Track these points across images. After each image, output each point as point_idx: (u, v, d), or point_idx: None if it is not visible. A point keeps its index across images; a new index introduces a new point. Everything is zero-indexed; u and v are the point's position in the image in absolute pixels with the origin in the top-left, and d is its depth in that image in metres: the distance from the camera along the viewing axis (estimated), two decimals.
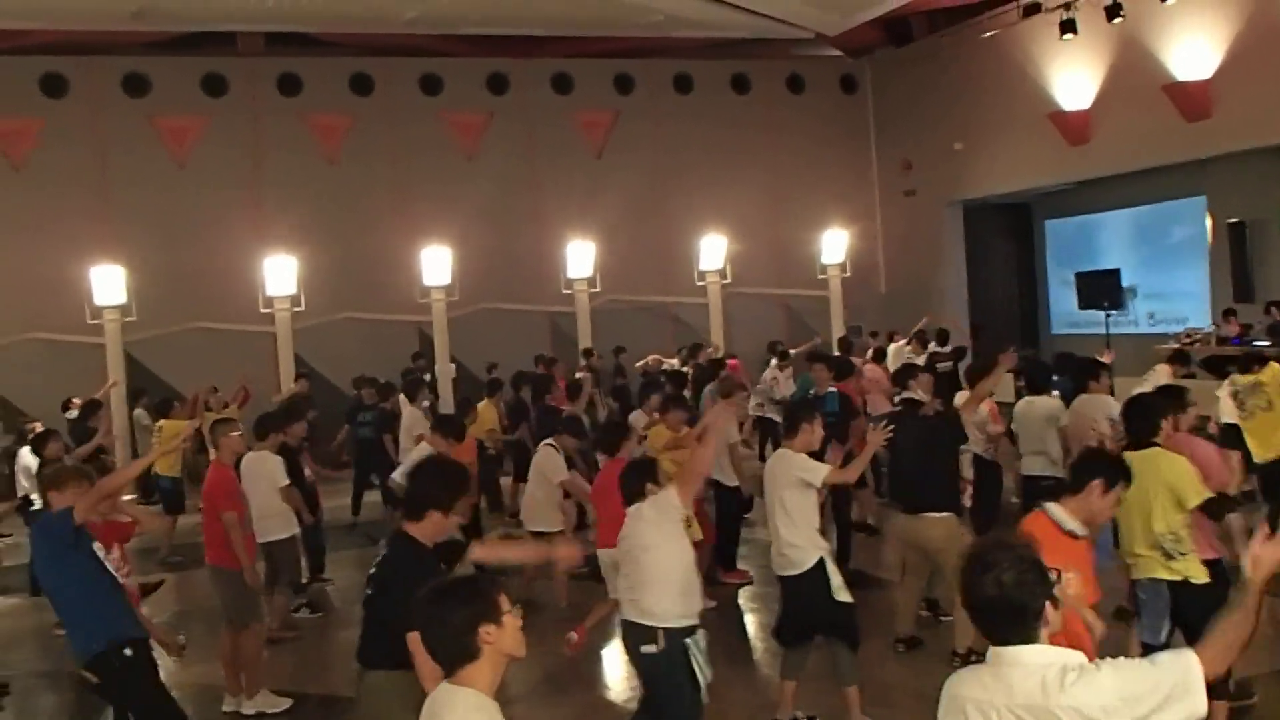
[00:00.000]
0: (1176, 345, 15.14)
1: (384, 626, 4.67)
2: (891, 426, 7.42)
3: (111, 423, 14.95)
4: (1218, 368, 15.13)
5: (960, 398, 8.97)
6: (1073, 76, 19.31)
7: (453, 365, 19.05)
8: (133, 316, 17.98)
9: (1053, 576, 3.00)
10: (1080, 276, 21.33)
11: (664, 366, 16.94)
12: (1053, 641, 2.96)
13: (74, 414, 14.86)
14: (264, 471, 8.98)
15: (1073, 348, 17.23)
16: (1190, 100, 17.19)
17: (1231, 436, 9.85)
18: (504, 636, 3.15)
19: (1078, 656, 2.91)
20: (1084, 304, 20.91)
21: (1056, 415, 9.29)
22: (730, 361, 16.32)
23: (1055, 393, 9.97)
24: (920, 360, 13.39)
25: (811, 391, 11.27)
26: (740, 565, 10.64)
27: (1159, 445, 5.96)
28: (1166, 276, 20.62)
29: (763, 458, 15.99)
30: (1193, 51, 17.18)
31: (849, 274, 21.20)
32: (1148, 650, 5.30)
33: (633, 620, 5.90)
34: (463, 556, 5.21)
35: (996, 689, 2.90)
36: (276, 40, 20.62)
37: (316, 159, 20.50)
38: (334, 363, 19.25)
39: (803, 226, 21.57)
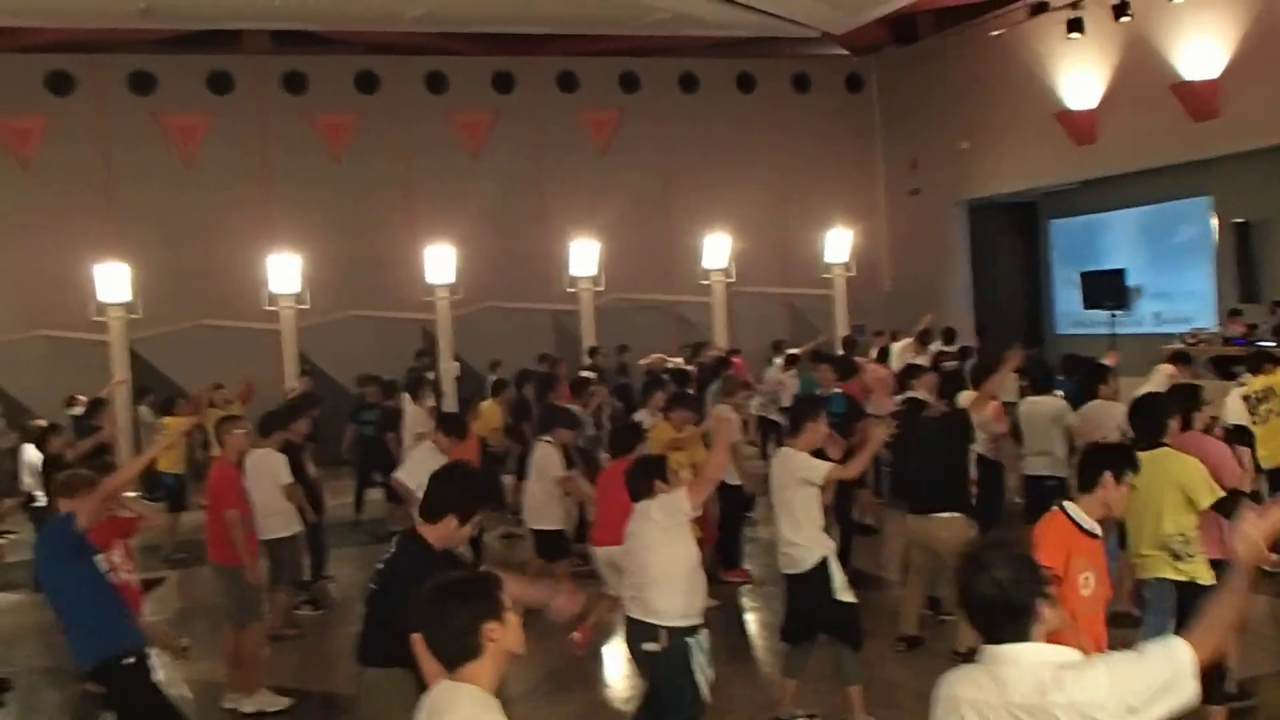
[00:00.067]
0: (1180, 345, 15.10)
1: (385, 626, 4.66)
2: (895, 423, 7.40)
3: (115, 420, 14.96)
4: (1223, 368, 15.11)
5: (965, 397, 8.94)
6: (1079, 76, 19.27)
7: (456, 363, 19.04)
8: (137, 314, 17.99)
9: (1048, 575, 3.01)
10: (1085, 276, 21.28)
11: (668, 365, 16.92)
12: (1065, 641, 2.96)
13: (77, 411, 14.88)
14: (268, 469, 8.97)
15: (1078, 347, 17.15)
16: (1197, 100, 17.15)
17: (1239, 438, 9.79)
18: (506, 634, 3.15)
19: (1072, 653, 2.92)
20: (1088, 304, 20.86)
21: (1062, 415, 9.26)
22: (734, 360, 16.29)
23: (1058, 393, 9.94)
24: (922, 360, 13.34)
25: (816, 392, 11.25)
26: (743, 564, 10.63)
27: (1167, 445, 5.94)
28: (1172, 276, 20.55)
29: (764, 456, 15.99)
30: (1200, 51, 17.14)
31: (854, 273, 21.15)
32: None
33: (636, 618, 5.90)
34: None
35: (992, 688, 2.90)
36: (282, 38, 20.63)
37: (322, 157, 20.52)
38: (338, 361, 19.27)
39: (807, 225, 21.54)
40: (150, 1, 17.68)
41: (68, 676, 8.27)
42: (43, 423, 12.50)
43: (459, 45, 21.32)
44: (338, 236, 19.66)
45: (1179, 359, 11.06)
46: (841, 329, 19.78)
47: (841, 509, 10.14)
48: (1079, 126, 19.29)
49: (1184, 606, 5.75)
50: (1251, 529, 3.09)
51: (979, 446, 9.65)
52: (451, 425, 9.54)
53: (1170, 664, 2.85)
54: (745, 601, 9.98)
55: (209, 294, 19.09)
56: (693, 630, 5.87)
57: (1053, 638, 2.97)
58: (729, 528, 10.36)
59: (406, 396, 13.59)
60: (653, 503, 5.95)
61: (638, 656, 6.01)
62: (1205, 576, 5.77)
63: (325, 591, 10.91)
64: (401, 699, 4.30)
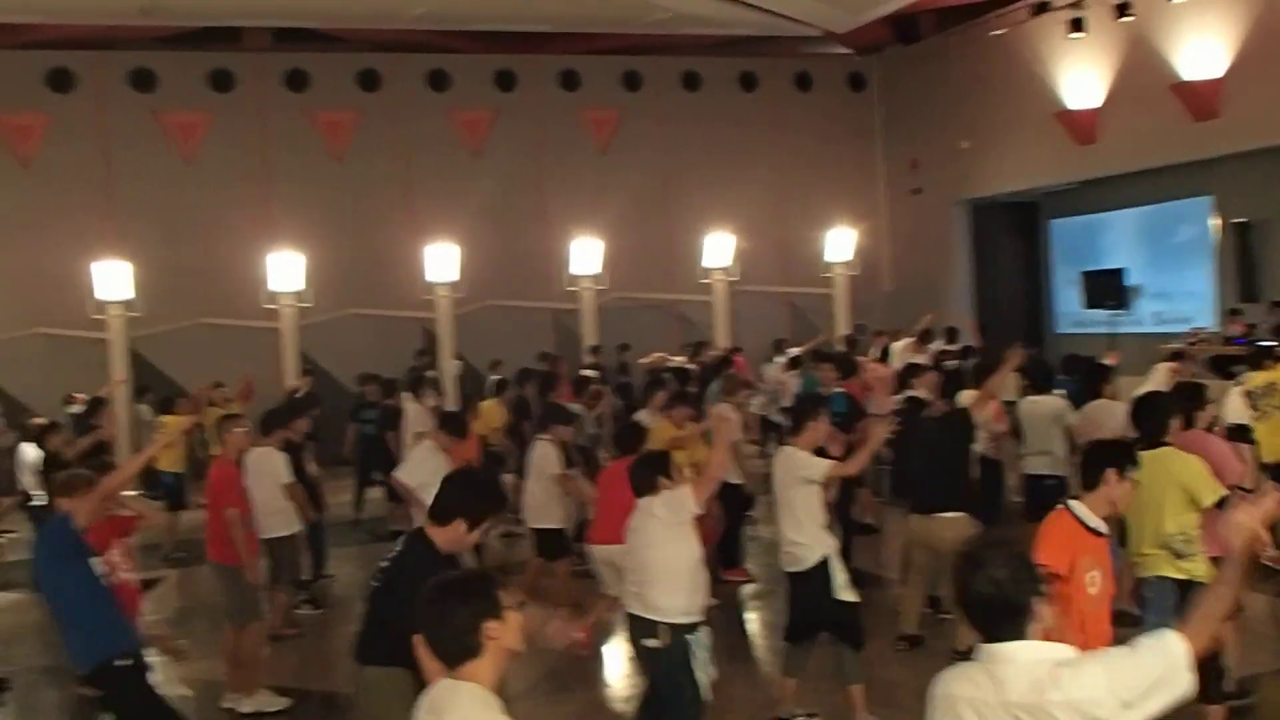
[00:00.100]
0: (1178, 345, 15.08)
1: (386, 625, 4.65)
2: (896, 420, 7.39)
3: (115, 419, 14.95)
4: (1222, 367, 15.09)
5: (966, 396, 8.94)
6: (1081, 75, 19.26)
7: (457, 362, 19.03)
8: (137, 312, 17.98)
9: (1044, 574, 3.02)
10: (1085, 276, 21.26)
11: (670, 364, 16.90)
12: (1070, 640, 2.96)
13: (76, 409, 14.86)
14: (268, 468, 8.95)
15: (1078, 347, 17.14)
16: (1198, 100, 17.14)
17: (1239, 436, 9.78)
18: (507, 632, 3.15)
19: (1068, 651, 2.92)
20: (1088, 303, 20.85)
21: (1062, 414, 9.26)
22: (736, 359, 16.27)
23: (1058, 392, 9.94)
24: (920, 359, 13.33)
25: (818, 391, 11.24)
26: (743, 564, 10.62)
27: (1169, 444, 5.93)
28: (1172, 276, 20.54)
29: (765, 455, 15.98)
30: (1201, 51, 17.13)
31: (855, 272, 21.14)
32: None
33: (637, 614, 5.90)
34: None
35: (989, 687, 2.90)
36: (283, 36, 20.62)
37: (323, 155, 20.50)
38: (339, 359, 19.25)
39: (809, 224, 21.52)
40: None
41: (67, 676, 8.23)
42: (41, 421, 12.49)
43: (460, 43, 21.30)
44: (338, 234, 19.64)
45: (1178, 358, 11.05)
46: (842, 328, 19.78)
47: (842, 508, 10.14)
48: (1080, 126, 19.28)
49: (1185, 605, 5.74)
50: (1245, 517, 3.10)
51: (979, 446, 9.66)
52: (452, 424, 9.53)
53: (1164, 658, 2.85)
54: (746, 601, 9.97)
55: (209, 292, 19.06)
56: (693, 628, 5.87)
57: (1050, 636, 2.97)
58: (729, 527, 10.34)
59: (407, 395, 13.58)
60: (656, 499, 5.95)
61: (639, 652, 6.00)
62: (1206, 575, 5.76)
63: (325, 590, 10.90)
64: (401, 698, 4.29)
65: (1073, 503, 4.70)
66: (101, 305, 17.65)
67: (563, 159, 21.67)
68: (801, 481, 6.71)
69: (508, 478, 13.44)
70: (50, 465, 9.47)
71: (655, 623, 5.80)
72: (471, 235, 19.59)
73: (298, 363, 18.44)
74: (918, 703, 3.08)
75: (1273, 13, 16.23)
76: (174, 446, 12.44)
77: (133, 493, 12.67)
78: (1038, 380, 9.92)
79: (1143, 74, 17.90)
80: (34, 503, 10.14)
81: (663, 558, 5.82)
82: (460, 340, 19.23)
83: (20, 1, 17.38)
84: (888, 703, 6.78)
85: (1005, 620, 2.91)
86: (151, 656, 6.23)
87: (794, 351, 16.98)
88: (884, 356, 15.34)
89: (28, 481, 11.06)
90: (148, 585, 8.30)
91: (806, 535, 6.67)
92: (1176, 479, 5.75)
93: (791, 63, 23.56)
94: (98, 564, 5.92)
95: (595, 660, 8.47)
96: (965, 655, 3.03)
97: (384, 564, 4.82)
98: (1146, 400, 6.33)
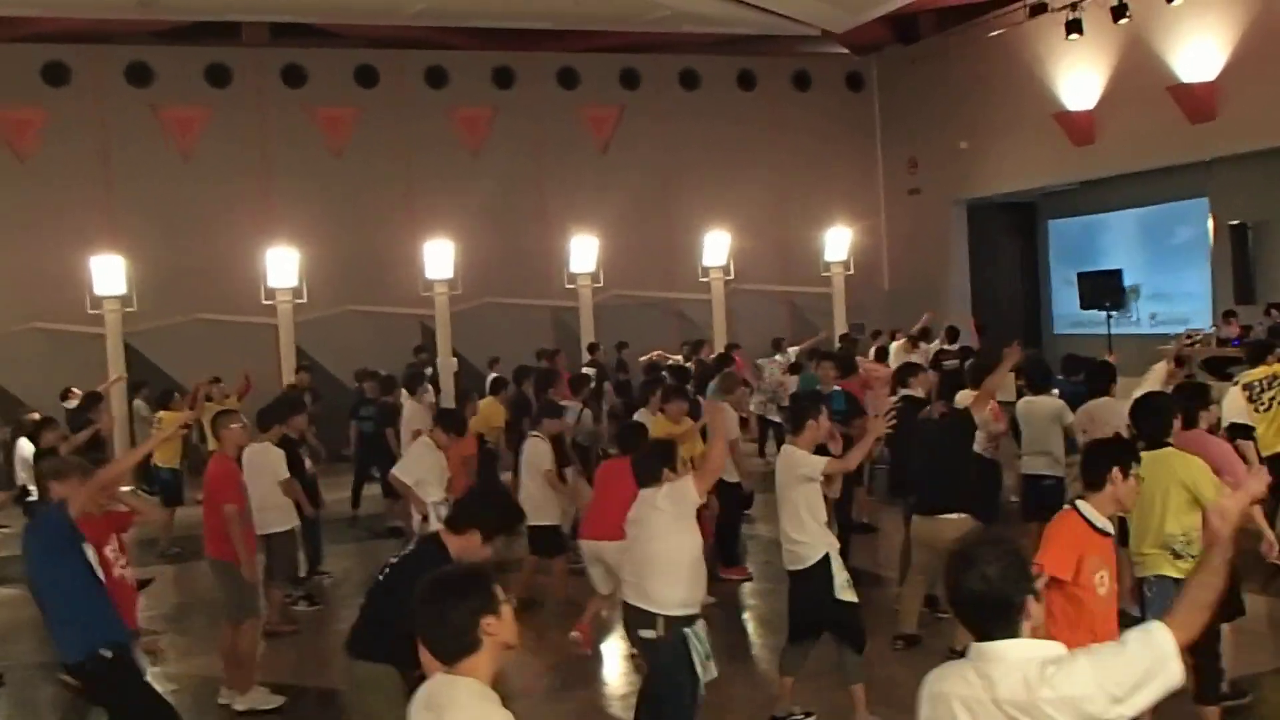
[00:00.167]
0: (1174, 346, 15.07)
1: (383, 624, 4.64)
2: (894, 417, 7.36)
3: (112, 414, 14.92)
4: (1218, 369, 15.09)
5: (964, 396, 8.93)
6: (1078, 76, 19.28)
7: (455, 359, 19.02)
8: (133, 307, 17.96)
9: (1036, 571, 3.01)
10: (1082, 277, 21.28)
11: (668, 362, 16.89)
12: (1080, 640, 2.96)
13: (72, 404, 14.83)
14: (266, 464, 8.95)
15: (1075, 348, 17.13)
16: (1195, 102, 17.17)
17: (1240, 435, 9.77)
18: (504, 627, 3.16)
19: (1056, 648, 2.92)
20: (1085, 304, 20.86)
21: (1060, 414, 9.26)
22: (734, 357, 16.26)
23: (1055, 391, 9.94)
24: (915, 358, 13.34)
25: (817, 389, 11.23)
26: (743, 562, 10.62)
27: (1171, 445, 5.93)
28: (1169, 277, 20.57)
29: (763, 455, 15.98)
30: (1198, 53, 17.15)
31: (853, 272, 21.17)
32: None
33: (634, 604, 5.89)
34: None
35: (981, 685, 2.90)
36: (281, 31, 20.59)
37: (321, 151, 20.47)
38: (336, 356, 19.23)
39: (807, 224, 21.54)
40: None
41: (61, 671, 8.23)
42: (36, 416, 12.46)
43: (459, 40, 21.28)
44: (336, 231, 19.62)
45: (1175, 360, 11.03)
46: (841, 327, 19.80)
47: (841, 508, 10.13)
48: (1078, 127, 19.31)
49: None
50: (1229, 503, 3.12)
51: (977, 445, 9.66)
52: (449, 422, 9.53)
53: (1150, 650, 2.85)
54: (744, 599, 9.96)
55: (207, 288, 19.03)
56: (690, 620, 5.87)
57: (1064, 636, 2.97)
58: (728, 525, 10.35)
59: (405, 392, 13.57)
60: (659, 490, 5.96)
61: (635, 642, 6.00)
62: None
63: (321, 587, 10.88)
64: (394, 695, 4.29)
65: (1079, 503, 4.71)
66: (98, 300, 17.63)
67: (562, 157, 21.65)
68: (802, 480, 6.70)
69: (505, 476, 13.47)
70: (44, 461, 9.44)
71: (653, 614, 5.80)
72: (470, 232, 19.59)
73: (295, 359, 18.44)
74: (916, 701, 3.08)
75: (1269, 15, 16.26)
76: (171, 442, 12.42)
77: (129, 488, 12.67)
78: (1035, 380, 9.92)
79: (1140, 75, 17.93)
80: (29, 498, 10.10)
81: (665, 549, 5.83)
82: (459, 337, 19.24)
83: None
84: (887, 701, 6.77)
85: (997, 618, 2.91)
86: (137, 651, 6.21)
87: (794, 351, 16.98)
88: (881, 357, 15.34)
89: (23, 476, 11.03)
90: (143, 585, 8.24)
91: (808, 534, 6.66)
92: (1179, 479, 5.75)
93: (790, 62, 23.55)
94: (91, 554, 5.89)
95: (594, 658, 8.46)
96: (962, 654, 3.04)
97: (392, 560, 4.82)
98: (1148, 401, 6.33)
